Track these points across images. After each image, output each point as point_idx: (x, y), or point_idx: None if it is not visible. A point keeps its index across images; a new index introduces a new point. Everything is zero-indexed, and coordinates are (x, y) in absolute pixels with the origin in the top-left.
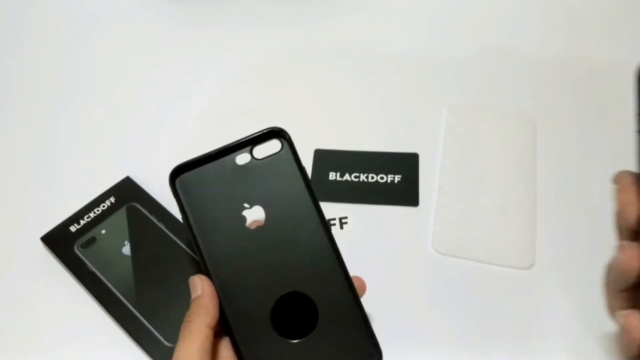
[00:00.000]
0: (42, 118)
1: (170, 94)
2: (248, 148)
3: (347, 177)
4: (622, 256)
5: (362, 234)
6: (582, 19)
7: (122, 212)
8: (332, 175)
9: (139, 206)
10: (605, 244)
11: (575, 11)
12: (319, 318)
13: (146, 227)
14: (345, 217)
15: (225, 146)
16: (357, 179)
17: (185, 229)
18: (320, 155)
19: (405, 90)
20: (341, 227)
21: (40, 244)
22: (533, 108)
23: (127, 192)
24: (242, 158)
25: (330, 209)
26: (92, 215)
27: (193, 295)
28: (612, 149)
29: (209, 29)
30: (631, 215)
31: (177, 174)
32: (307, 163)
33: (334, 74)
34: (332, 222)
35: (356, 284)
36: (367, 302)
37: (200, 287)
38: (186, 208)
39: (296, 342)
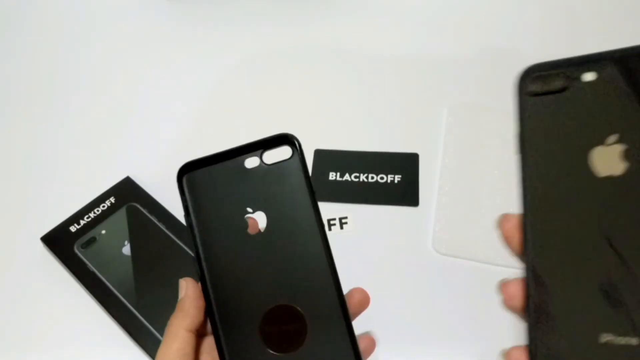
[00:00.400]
0: (42, 118)
1: (171, 94)
2: (259, 152)
3: (347, 177)
4: (502, 295)
5: (362, 234)
6: (582, 19)
7: (122, 212)
8: (332, 175)
9: (139, 206)
10: None
11: (575, 11)
12: (306, 335)
13: (146, 227)
14: (345, 217)
15: (236, 147)
16: (357, 179)
17: (186, 227)
18: (320, 155)
19: (405, 90)
20: (341, 227)
21: (40, 244)
22: None
23: (127, 192)
24: (251, 161)
25: (330, 209)
26: (92, 215)
27: (178, 298)
28: None
29: (209, 29)
30: (514, 246)
31: (185, 170)
32: (307, 163)
33: (334, 74)
34: (332, 222)
35: (359, 296)
36: None
37: (184, 289)
38: (190, 206)
39: (282, 356)
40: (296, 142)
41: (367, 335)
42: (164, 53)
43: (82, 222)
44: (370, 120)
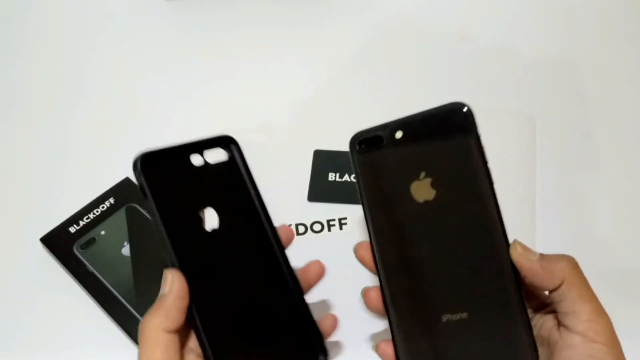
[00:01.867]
0: (42, 119)
1: (170, 94)
2: (200, 151)
3: (346, 177)
4: (364, 300)
5: (361, 235)
6: (581, 19)
7: (121, 213)
8: (331, 176)
9: (138, 207)
10: (604, 244)
11: (575, 11)
12: (272, 324)
13: (146, 228)
14: (345, 218)
15: (180, 145)
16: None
17: (152, 219)
18: (320, 156)
19: (405, 90)
20: (340, 228)
21: (40, 245)
22: (533, 108)
23: (126, 193)
24: (197, 160)
25: (330, 210)
26: (91, 216)
27: (160, 292)
28: (612, 148)
29: (208, 30)
30: (368, 264)
31: (143, 162)
32: (307, 163)
33: (334, 74)
34: (331, 222)
35: (315, 269)
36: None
37: (169, 284)
38: (154, 200)
39: (256, 347)
40: (233, 142)
41: (330, 314)
42: (164, 54)
43: (81, 223)
44: (370, 121)
